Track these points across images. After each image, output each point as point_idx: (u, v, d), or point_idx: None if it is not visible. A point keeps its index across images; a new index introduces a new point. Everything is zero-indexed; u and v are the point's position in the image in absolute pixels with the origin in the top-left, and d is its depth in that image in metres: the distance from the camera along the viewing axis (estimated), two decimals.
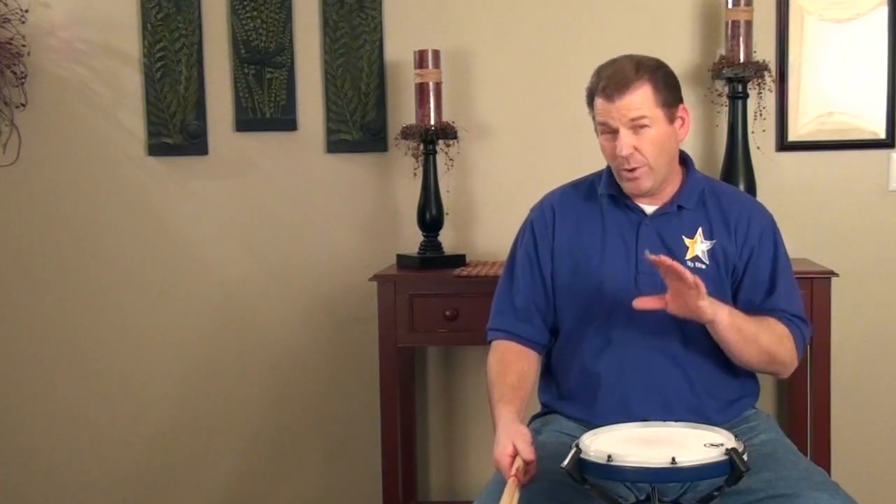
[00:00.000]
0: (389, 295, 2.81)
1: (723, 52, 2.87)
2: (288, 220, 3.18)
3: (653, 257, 1.84)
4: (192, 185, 3.21)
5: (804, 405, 2.81)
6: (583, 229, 2.11)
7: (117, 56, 3.19)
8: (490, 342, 2.15)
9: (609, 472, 1.69)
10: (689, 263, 2.02)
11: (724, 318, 1.90)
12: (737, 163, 2.83)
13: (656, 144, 1.99)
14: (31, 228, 3.26)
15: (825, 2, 2.95)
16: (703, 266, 2.03)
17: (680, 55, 2.96)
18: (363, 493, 3.19)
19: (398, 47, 3.08)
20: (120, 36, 3.18)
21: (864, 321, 3.01)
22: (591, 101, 2.04)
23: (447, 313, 2.78)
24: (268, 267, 3.20)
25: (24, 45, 3.14)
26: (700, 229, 2.06)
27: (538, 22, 3.05)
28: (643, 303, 1.90)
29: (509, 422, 1.89)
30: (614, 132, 1.99)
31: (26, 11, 3.14)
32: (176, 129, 3.17)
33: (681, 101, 2.05)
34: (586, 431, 1.85)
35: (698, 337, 2.00)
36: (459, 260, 2.95)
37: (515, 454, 1.79)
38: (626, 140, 1.97)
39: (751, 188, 2.81)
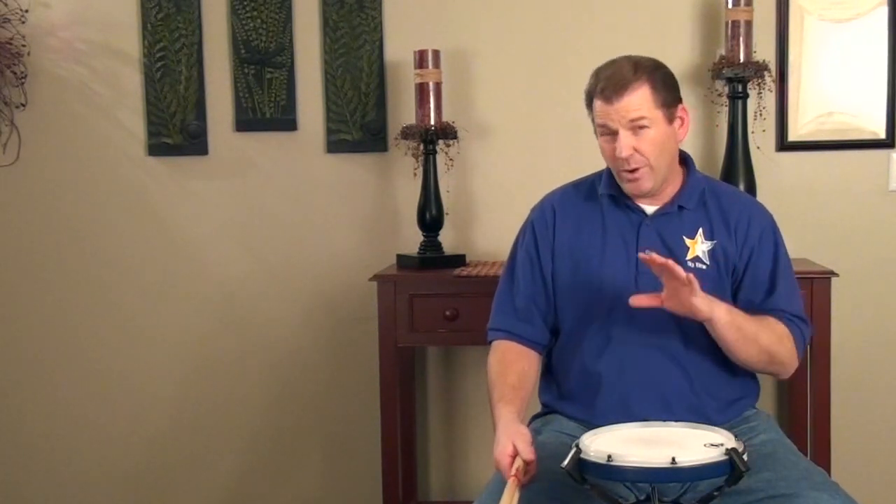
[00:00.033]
0: (389, 295, 2.81)
1: (723, 52, 2.87)
2: (288, 220, 3.18)
3: (644, 256, 1.84)
4: (192, 185, 3.21)
5: (804, 405, 2.81)
6: (583, 229, 2.11)
7: (117, 56, 3.19)
8: (490, 342, 2.15)
9: (609, 472, 1.69)
10: (690, 264, 2.02)
11: (722, 316, 1.90)
12: (737, 163, 2.83)
13: (656, 145, 1.99)
14: (31, 228, 3.26)
15: (825, 2, 2.95)
16: (704, 266, 2.03)
17: (680, 55, 2.96)
18: (363, 493, 3.19)
19: (398, 47, 3.08)
20: (120, 36, 3.18)
21: (864, 321, 3.01)
22: (589, 103, 2.04)
23: (447, 313, 2.78)
24: (268, 267, 3.20)
25: (24, 45, 3.14)
26: (701, 230, 2.06)
27: (538, 22, 3.05)
28: (639, 300, 1.90)
29: (509, 422, 1.89)
30: (614, 134, 1.99)
31: (26, 11, 3.14)
32: (176, 129, 3.17)
33: (680, 100, 2.05)
34: (586, 431, 1.85)
35: (698, 337, 2.00)
36: (459, 260, 2.95)
37: (515, 454, 1.79)
38: (625, 141, 1.97)
39: (751, 188, 2.81)
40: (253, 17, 3.12)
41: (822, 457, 2.68)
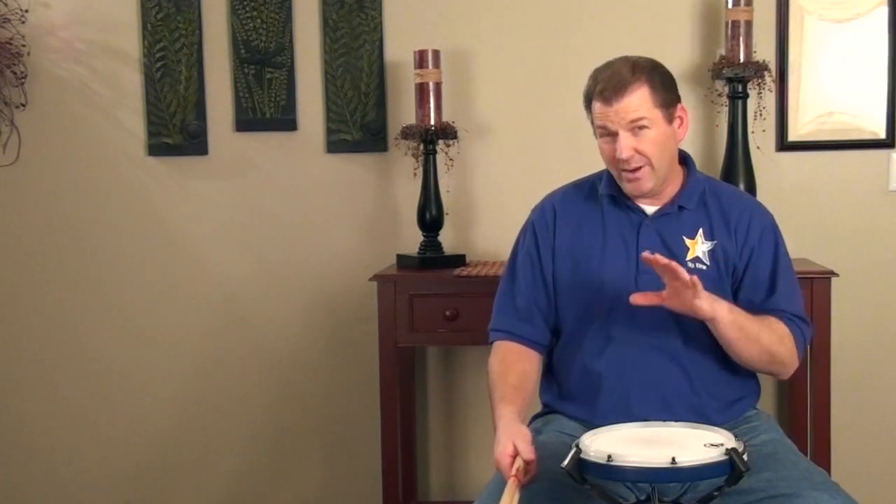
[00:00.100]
0: (389, 295, 2.81)
1: (723, 52, 2.87)
2: (288, 220, 3.18)
3: (648, 256, 1.84)
4: (192, 185, 3.21)
5: (804, 405, 2.81)
6: (583, 230, 2.11)
7: (117, 56, 3.19)
8: (492, 343, 2.15)
9: (609, 472, 1.68)
10: (690, 264, 2.02)
11: (724, 316, 1.90)
12: (737, 163, 2.83)
13: (656, 145, 1.99)
14: (31, 228, 3.26)
15: (825, 2, 2.95)
16: (704, 267, 2.03)
17: (680, 55, 2.96)
18: (363, 493, 3.19)
19: (398, 47, 3.08)
20: (120, 36, 3.18)
21: (864, 321, 3.01)
22: (588, 105, 2.04)
23: (447, 313, 2.78)
24: (268, 267, 3.20)
25: (24, 45, 3.14)
26: (701, 230, 2.06)
27: (538, 22, 3.05)
28: (640, 298, 1.90)
29: (510, 422, 1.89)
30: (613, 135, 1.99)
31: (26, 11, 3.14)
32: (176, 129, 3.17)
33: (678, 100, 2.05)
34: (587, 431, 1.85)
35: (699, 337, 2.00)
36: (459, 260, 2.95)
37: (516, 454, 1.79)
38: (625, 143, 1.97)
39: (751, 188, 2.81)
40: (253, 17, 3.12)
41: (822, 457, 2.68)
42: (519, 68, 3.07)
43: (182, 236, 3.23)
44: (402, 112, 3.07)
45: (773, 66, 2.91)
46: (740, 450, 1.69)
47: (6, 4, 3.12)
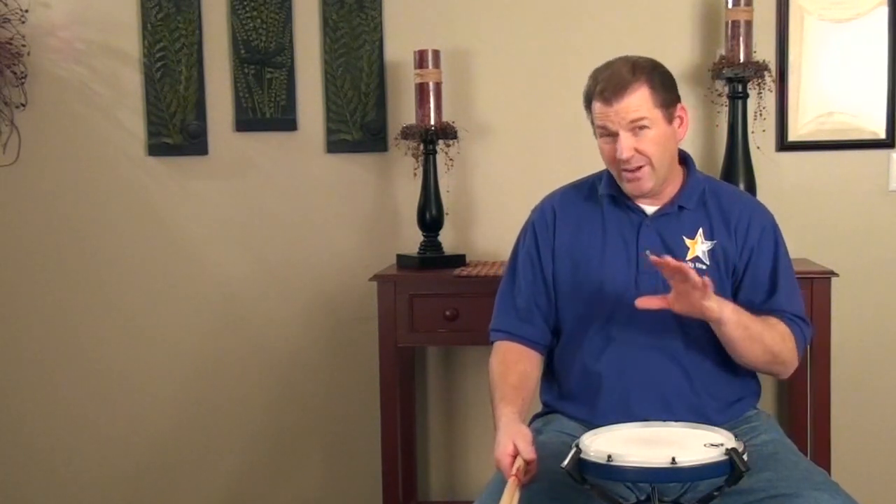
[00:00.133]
0: (389, 295, 2.81)
1: (723, 52, 2.87)
2: (288, 220, 3.18)
3: (656, 260, 1.83)
4: (192, 185, 3.21)
5: (804, 405, 2.80)
6: (583, 230, 2.11)
7: (117, 56, 3.19)
8: (492, 343, 2.15)
9: (609, 472, 1.68)
10: (690, 264, 2.01)
11: (730, 316, 1.90)
12: (737, 163, 2.83)
13: (657, 145, 1.99)
14: (31, 228, 3.26)
15: (825, 2, 2.95)
16: (704, 267, 2.03)
17: (680, 55, 2.96)
18: (363, 493, 3.19)
19: (398, 47, 3.08)
20: (120, 36, 3.18)
21: (864, 321, 3.01)
22: (588, 105, 2.04)
23: (447, 313, 2.78)
24: (268, 267, 3.20)
25: (24, 45, 3.14)
26: (701, 230, 2.06)
27: (538, 22, 3.05)
28: (646, 302, 1.90)
29: (510, 421, 1.89)
30: (613, 135, 1.99)
31: (26, 11, 3.14)
32: (176, 129, 3.17)
33: (678, 100, 2.05)
34: (587, 431, 1.85)
35: (699, 337, 2.00)
36: (459, 260, 2.95)
37: (516, 454, 1.80)
38: (626, 143, 1.97)
39: (751, 188, 2.81)
40: (253, 17, 3.12)
41: (822, 457, 2.68)
42: (519, 68, 3.07)
43: (182, 236, 3.23)
44: (402, 112, 3.07)
45: (773, 66, 2.91)
46: (740, 450, 1.69)
47: (6, 4, 3.12)
